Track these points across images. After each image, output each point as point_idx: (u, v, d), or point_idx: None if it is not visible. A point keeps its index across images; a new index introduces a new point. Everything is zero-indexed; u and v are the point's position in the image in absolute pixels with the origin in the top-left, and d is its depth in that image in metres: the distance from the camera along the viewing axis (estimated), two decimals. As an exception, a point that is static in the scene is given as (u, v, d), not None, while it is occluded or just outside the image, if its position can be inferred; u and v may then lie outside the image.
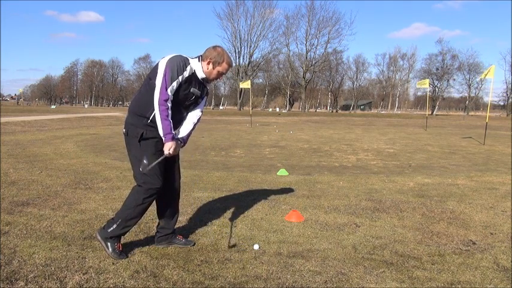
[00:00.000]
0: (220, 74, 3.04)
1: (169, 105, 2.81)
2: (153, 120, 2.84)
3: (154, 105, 2.78)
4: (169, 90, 2.79)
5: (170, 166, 3.10)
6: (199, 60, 2.97)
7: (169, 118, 2.82)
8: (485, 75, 13.30)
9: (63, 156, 8.23)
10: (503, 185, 6.01)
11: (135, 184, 2.97)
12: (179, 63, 2.84)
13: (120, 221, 2.91)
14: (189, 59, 2.95)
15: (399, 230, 3.76)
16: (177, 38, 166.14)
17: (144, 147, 2.89)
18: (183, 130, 3.10)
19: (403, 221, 4.04)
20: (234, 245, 3.22)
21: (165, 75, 2.77)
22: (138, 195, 2.92)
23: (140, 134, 2.87)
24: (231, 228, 3.65)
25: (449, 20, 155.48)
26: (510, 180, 6.39)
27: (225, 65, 3.00)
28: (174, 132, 2.90)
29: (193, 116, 3.14)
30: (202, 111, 3.20)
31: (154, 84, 2.79)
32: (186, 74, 2.88)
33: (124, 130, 2.97)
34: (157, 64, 2.87)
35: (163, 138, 2.84)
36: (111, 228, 2.91)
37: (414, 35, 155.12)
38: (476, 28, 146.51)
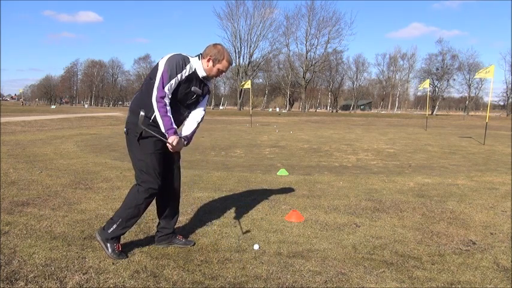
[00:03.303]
0: (220, 72, 3.03)
1: (167, 101, 2.81)
2: (155, 120, 2.84)
3: (153, 103, 2.78)
4: (166, 88, 2.78)
5: (170, 166, 3.09)
6: (199, 59, 2.96)
7: (169, 114, 2.81)
8: (482, 73, 13.28)
9: (63, 156, 8.23)
10: (503, 185, 6.01)
11: (135, 183, 2.98)
12: (178, 62, 2.84)
13: (120, 220, 2.91)
14: (189, 57, 2.94)
15: (399, 230, 3.76)
16: (177, 38, 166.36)
17: (144, 145, 2.89)
18: (187, 128, 3.08)
19: (403, 221, 4.04)
20: (247, 231, 3.52)
21: (162, 74, 2.78)
22: (138, 194, 2.92)
23: (140, 133, 2.87)
24: (240, 225, 3.73)
25: (447, 20, 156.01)
26: (510, 180, 6.39)
27: (225, 62, 2.99)
28: (176, 127, 2.88)
29: (196, 115, 3.13)
30: (205, 110, 3.20)
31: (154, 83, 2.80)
32: (186, 73, 2.87)
33: (125, 129, 2.98)
34: (157, 63, 2.87)
35: (166, 134, 2.83)
36: (112, 228, 2.91)
37: (413, 35, 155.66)
38: (474, 28, 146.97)
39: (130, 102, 3.06)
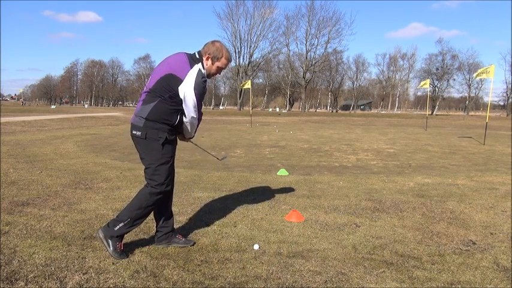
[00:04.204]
0: (219, 70, 3.02)
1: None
2: (176, 126, 2.97)
3: (194, 122, 3.01)
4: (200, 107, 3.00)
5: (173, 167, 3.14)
6: (199, 58, 2.93)
7: None
8: (481, 73, 13.26)
9: (63, 156, 8.23)
10: (503, 185, 6.01)
11: (146, 185, 2.99)
12: (203, 84, 2.87)
13: (128, 220, 2.92)
14: (200, 68, 2.87)
15: (399, 230, 3.76)
16: (177, 38, 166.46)
17: (166, 149, 2.95)
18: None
19: (403, 221, 4.04)
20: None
21: (197, 102, 2.88)
22: (150, 196, 2.94)
23: (165, 137, 2.91)
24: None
25: (446, 20, 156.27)
26: (510, 180, 6.39)
27: (224, 60, 2.97)
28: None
29: None
30: None
31: (183, 103, 2.88)
32: (206, 87, 2.97)
33: (139, 133, 2.91)
34: (182, 90, 2.81)
35: (190, 136, 3.23)
36: (118, 226, 2.91)
37: (412, 35, 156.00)
38: (474, 28, 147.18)
39: (140, 110, 2.94)
